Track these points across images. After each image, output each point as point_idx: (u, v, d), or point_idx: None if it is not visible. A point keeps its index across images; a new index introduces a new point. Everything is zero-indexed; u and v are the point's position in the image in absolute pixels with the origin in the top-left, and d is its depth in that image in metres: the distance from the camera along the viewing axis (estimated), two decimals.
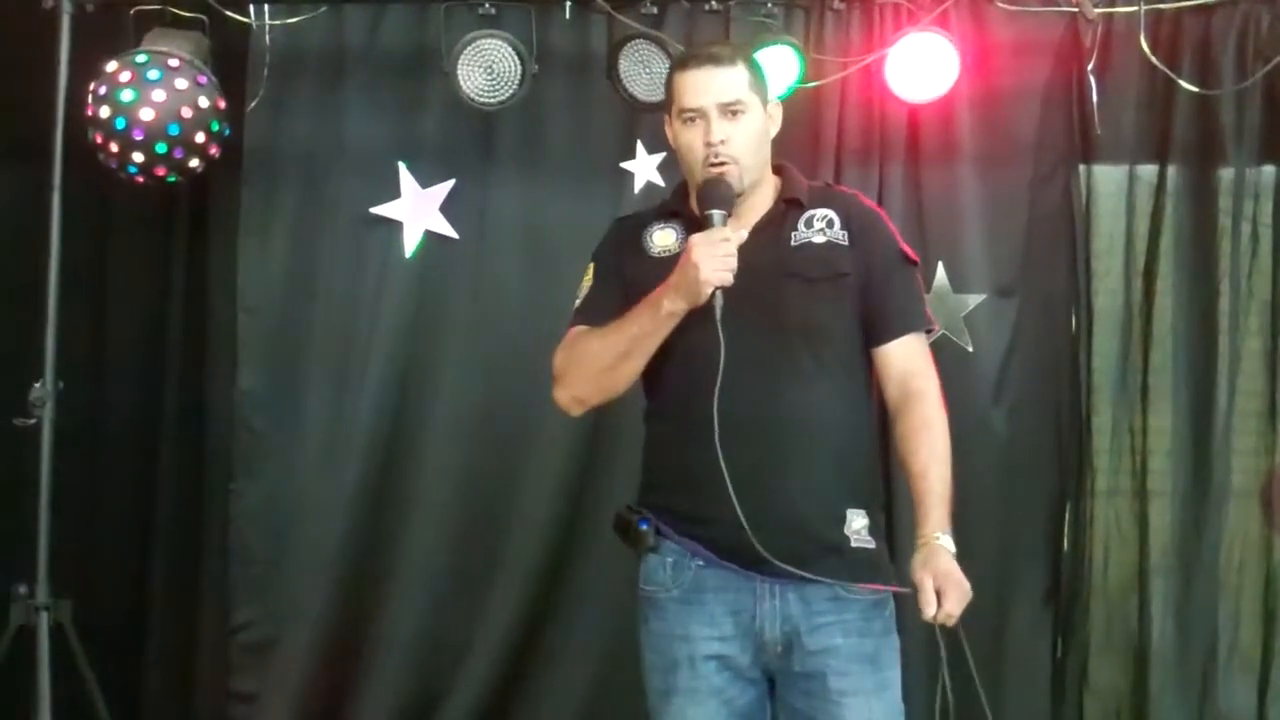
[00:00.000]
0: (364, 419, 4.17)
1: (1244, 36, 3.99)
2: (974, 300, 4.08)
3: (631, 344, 2.72)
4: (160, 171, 3.85)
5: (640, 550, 2.81)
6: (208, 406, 4.29)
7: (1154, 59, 3.91)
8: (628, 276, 2.82)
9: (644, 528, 2.78)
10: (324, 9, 4.12)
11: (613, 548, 3.99)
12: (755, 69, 2.82)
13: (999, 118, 4.09)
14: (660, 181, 4.09)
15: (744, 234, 2.68)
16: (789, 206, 2.82)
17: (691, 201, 2.82)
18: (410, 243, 4.18)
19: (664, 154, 4.08)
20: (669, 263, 2.71)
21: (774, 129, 2.85)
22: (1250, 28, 3.98)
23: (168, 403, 4.30)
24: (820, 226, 2.78)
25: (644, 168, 4.12)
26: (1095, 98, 3.97)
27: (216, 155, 3.92)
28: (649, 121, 4.06)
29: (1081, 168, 4.12)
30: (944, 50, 3.82)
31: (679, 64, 2.84)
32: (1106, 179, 4.14)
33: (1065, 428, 4.11)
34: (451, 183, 4.18)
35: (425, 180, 4.18)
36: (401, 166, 4.17)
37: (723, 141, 2.71)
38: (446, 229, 4.19)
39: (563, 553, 4.16)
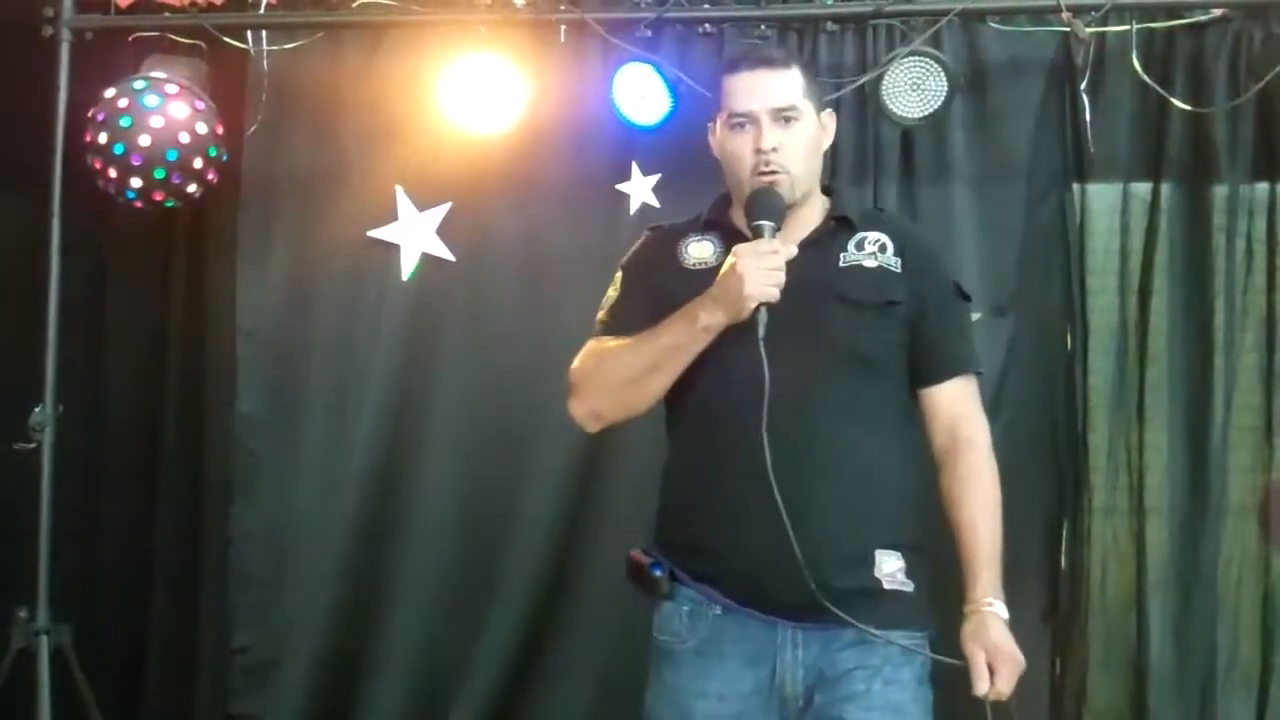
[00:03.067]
0: (362, 441, 4.18)
1: (1236, 54, 3.97)
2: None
3: (660, 357, 2.53)
4: (158, 196, 3.89)
5: (655, 598, 2.63)
6: (206, 430, 4.30)
7: (1146, 77, 3.91)
8: (657, 289, 2.65)
9: (658, 574, 2.59)
10: (321, 35, 4.15)
11: (612, 571, 4.03)
12: (810, 74, 2.66)
13: (992, 137, 4.09)
14: (656, 203, 4.10)
15: (794, 249, 2.51)
16: (839, 226, 2.65)
17: (733, 213, 2.66)
18: (407, 265, 4.19)
19: (659, 175, 4.10)
20: (704, 276, 2.55)
21: (827, 140, 2.69)
22: (1243, 45, 3.97)
23: (167, 426, 4.32)
24: (872, 250, 2.61)
25: (640, 189, 4.13)
26: (1088, 116, 3.96)
27: (215, 180, 3.96)
28: (644, 143, 4.09)
29: (1075, 186, 4.11)
30: (934, 70, 3.83)
31: (729, 66, 2.67)
32: (1100, 197, 4.13)
33: (1061, 445, 4.10)
34: (448, 205, 4.20)
35: (422, 203, 4.20)
36: (399, 189, 4.19)
37: (774, 149, 2.54)
38: (443, 252, 4.20)
39: (561, 575, 4.16)
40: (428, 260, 4.20)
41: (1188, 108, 3.96)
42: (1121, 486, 4.10)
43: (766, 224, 2.50)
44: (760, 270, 2.42)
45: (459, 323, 4.22)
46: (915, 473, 2.62)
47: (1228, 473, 4.05)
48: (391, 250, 4.20)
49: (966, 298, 2.71)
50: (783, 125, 2.56)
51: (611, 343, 2.62)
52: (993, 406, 4.04)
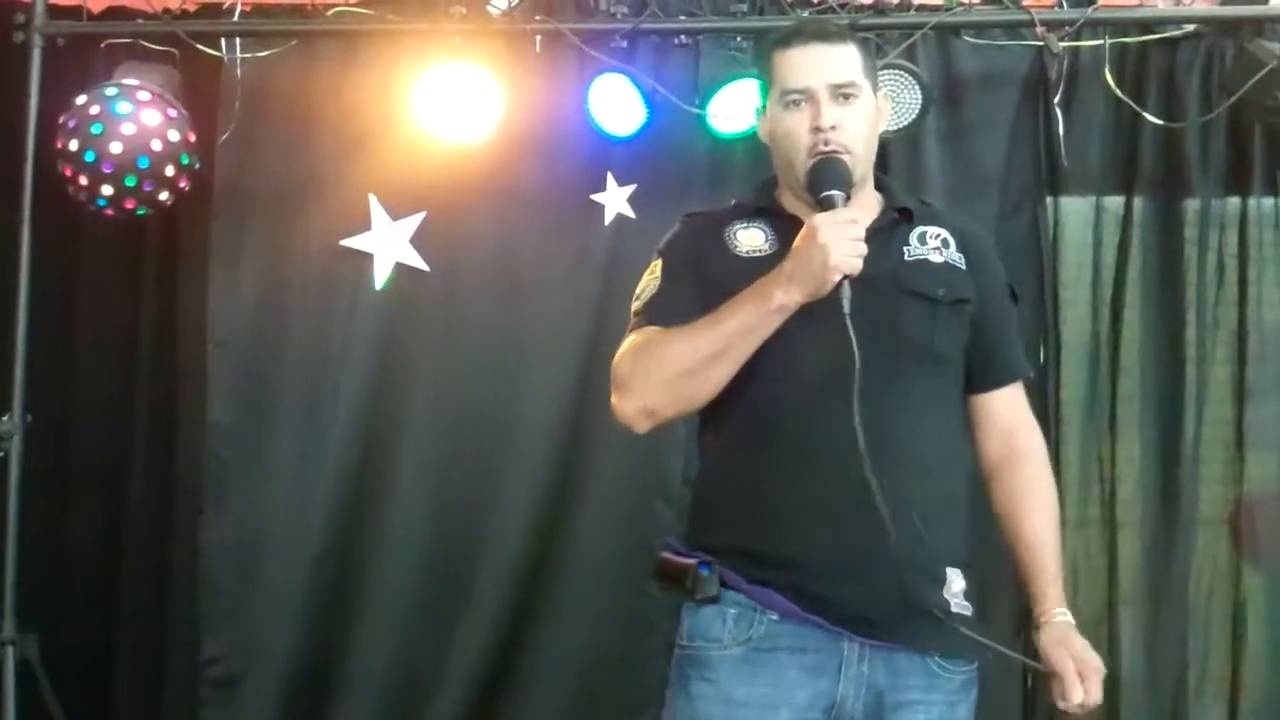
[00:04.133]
0: (333, 451, 4.15)
1: (1208, 69, 4.02)
2: None
3: (726, 343, 2.28)
4: (130, 204, 3.85)
5: (697, 599, 2.33)
6: (177, 439, 4.27)
7: (1119, 92, 3.94)
8: (707, 278, 2.40)
9: (706, 573, 2.31)
10: (295, 43, 4.13)
11: (585, 580, 4.04)
12: (867, 49, 2.48)
13: (966, 150, 4.12)
14: (630, 213, 4.11)
15: (867, 219, 2.34)
16: (900, 217, 2.46)
17: (781, 198, 2.47)
18: (381, 275, 4.17)
19: (634, 186, 4.10)
20: (759, 264, 2.34)
21: (883, 124, 2.50)
22: (1214, 61, 4.01)
23: (137, 435, 4.28)
24: (935, 244, 2.43)
25: (614, 200, 4.12)
26: (1062, 130, 3.98)
27: (186, 188, 3.93)
28: (619, 154, 4.09)
29: (1049, 199, 4.14)
30: (909, 83, 3.84)
31: (781, 41, 2.45)
32: (1073, 210, 4.16)
33: None
34: (422, 215, 4.17)
35: (396, 213, 4.17)
36: (372, 199, 4.16)
37: (834, 127, 2.34)
38: (417, 261, 4.18)
39: (535, 583, 4.14)
40: (401, 270, 4.18)
41: (1160, 122, 3.99)
42: (1093, 498, 4.12)
43: (838, 193, 2.29)
44: (843, 240, 2.20)
45: (433, 332, 4.19)
46: (971, 484, 2.47)
47: (1199, 485, 4.08)
48: (365, 260, 4.17)
49: (1016, 299, 2.55)
50: (842, 103, 2.36)
51: (664, 333, 2.36)
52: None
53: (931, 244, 2.42)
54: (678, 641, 2.39)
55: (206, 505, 4.17)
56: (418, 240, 4.18)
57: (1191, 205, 4.09)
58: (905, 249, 2.42)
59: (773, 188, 2.51)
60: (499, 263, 4.20)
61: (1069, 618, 2.38)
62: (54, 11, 4.07)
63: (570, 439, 4.07)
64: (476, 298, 4.20)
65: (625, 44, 4.00)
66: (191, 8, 4.14)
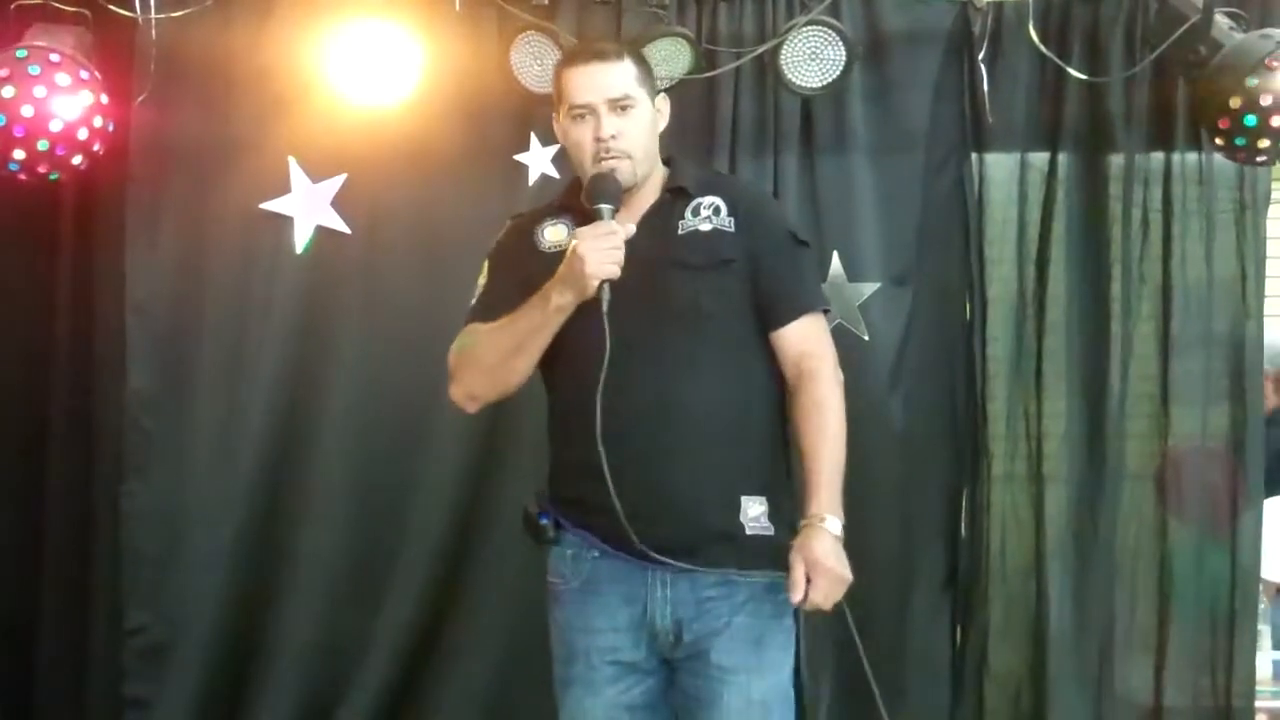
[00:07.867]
0: (256, 417, 4.10)
1: (1132, 24, 4.01)
2: (869, 289, 4.07)
3: (522, 339, 2.79)
4: (42, 169, 3.77)
5: (542, 544, 2.89)
6: (97, 407, 4.19)
7: (1043, 48, 3.94)
8: (520, 273, 2.87)
9: (543, 522, 2.86)
10: (211, 2, 4.04)
11: (512, 541, 4.00)
12: (642, 63, 2.91)
13: (890, 106, 4.09)
14: (555, 174, 4.06)
15: (632, 228, 2.74)
16: (676, 196, 2.88)
17: (583, 196, 2.84)
18: (301, 238, 4.11)
19: (558, 146, 4.03)
20: (560, 258, 2.75)
21: (662, 122, 2.94)
22: (1138, 15, 4.00)
23: (55, 404, 4.21)
24: (707, 214, 2.84)
25: (538, 160, 4.09)
26: (986, 86, 3.97)
27: (101, 152, 3.84)
28: (542, 114, 3.97)
29: (973, 156, 4.13)
30: (833, 39, 3.82)
31: (566, 61, 2.91)
32: (998, 166, 4.15)
33: (961, 414, 4.13)
34: (343, 177, 4.12)
35: (316, 175, 4.12)
36: (292, 161, 4.11)
37: (613, 136, 2.78)
38: (338, 224, 4.12)
39: (461, 548, 4.12)
40: (322, 233, 4.12)
41: (1084, 78, 3.98)
42: (1020, 454, 4.14)
43: (605, 206, 2.73)
44: (599, 250, 2.65)
45: (355, 296, 4.14)
46: (772, 422, 2.85)
47: (1125, 440, 4.11)
48: (285, 223, 4.11)
49: (804, 243, 2.94)
50: (619, 114, 2.80)
51: (482, 328, 2.87)
52: (892, 376, 4.09)
53: (704, 214, 2.84)
54: (547, 575, 2.91)
55: (128, 474, 4.11)
56: (339, 203, 4.13)
57: (1116, 161, 4.09)
58: (680, 223, 2.84)
59: (577, 187, 2.89)
60: (422, 224, 4.15)
61: (829, 524, 2.65)
62: None
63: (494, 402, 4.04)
64: (400, 260, 4.15)
65: (547, 1, 3.97)
66: None
